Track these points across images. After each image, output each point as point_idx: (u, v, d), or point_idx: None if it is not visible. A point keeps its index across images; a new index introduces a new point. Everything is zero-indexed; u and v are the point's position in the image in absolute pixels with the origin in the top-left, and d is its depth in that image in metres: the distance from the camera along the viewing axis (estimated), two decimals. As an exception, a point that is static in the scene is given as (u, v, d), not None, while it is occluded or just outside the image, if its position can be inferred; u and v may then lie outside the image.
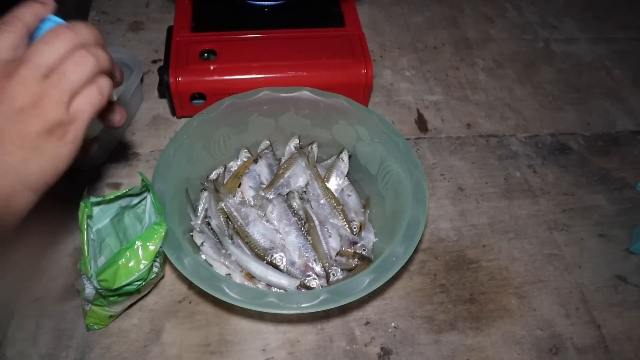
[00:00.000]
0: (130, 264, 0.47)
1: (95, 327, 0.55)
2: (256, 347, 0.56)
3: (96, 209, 0.53)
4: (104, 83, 0.37)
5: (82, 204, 0.49)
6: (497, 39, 0.96)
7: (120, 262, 0.46)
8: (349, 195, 0.66)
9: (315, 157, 0.68)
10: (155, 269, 0.51)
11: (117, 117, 0.45)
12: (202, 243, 0.58)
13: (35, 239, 0.62)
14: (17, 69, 0.33)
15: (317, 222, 0.61)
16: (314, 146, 0.68)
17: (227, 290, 0.47)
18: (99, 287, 0.48)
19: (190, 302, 0.59)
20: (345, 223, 0.62)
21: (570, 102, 0.88)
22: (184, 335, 0.57)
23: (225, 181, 0.65)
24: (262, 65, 0.71)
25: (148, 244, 0.47)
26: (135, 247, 0.47)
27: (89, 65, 0.35)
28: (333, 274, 0.58)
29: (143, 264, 0.48)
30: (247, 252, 0.59)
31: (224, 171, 0.67)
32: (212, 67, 0.69)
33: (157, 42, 0.85)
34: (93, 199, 0.51)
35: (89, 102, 0.36)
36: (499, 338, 0.60)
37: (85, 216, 0.49)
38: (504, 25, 0.99)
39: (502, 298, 0.63)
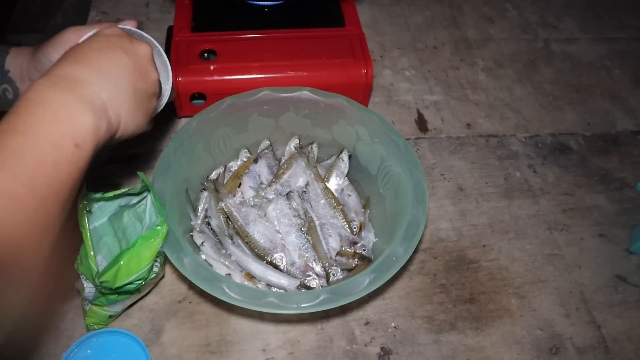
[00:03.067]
0: (131, 264, 0.47)
1: (95, 327, 0.55)
2: (256, 347, 0.56)
3: (95, 207, 0.53)
4: None
5: (80, 200, 0.49)
6: (497, 39, 0.96)
7: (121, 263, 0.47)
8: (349, 195, 0.66)
9: (315, 157, 0.68)
10: (155, 269, 0.51)
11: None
12: (202, 243, 0.58)
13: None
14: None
15: (317, 222, 0.61)
16: (314, 146, 0.68)
17: (227, 290, 0.47)
18: (99, 286, 0.48)
19: (190, 302, 0.59)
20: (345, 223, 0.62)
21: (570, 102, 0.88)
22: (184, 335, 0.57)
23: (225, 181, 0.65)
24: (262, 65, 0.71)
25: (149, 244, 0.47)
26: (136, 247, 0.47)
27: None
28: (333, 274, 0.58)
29: (144, 264, 0.48)
30: (247, 252, 0.59)
31: (224, 171, 0.67)
32: (212, 67, 0.69)
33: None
34: (92, 195, 0.51)
35: None
36: (499, 338, 0.60)
37: (84, 212, 0.48)
38: (504, 25, 0.99)
39: (502, 298, 0.63)
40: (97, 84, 0.38)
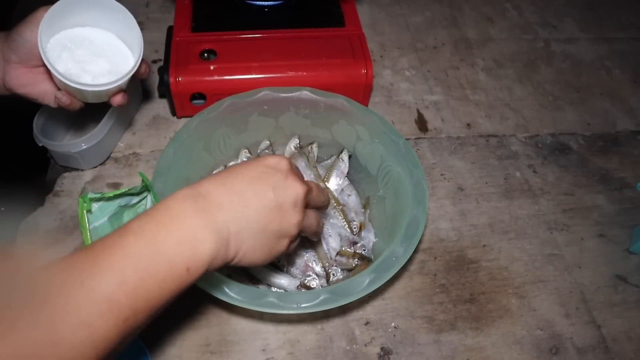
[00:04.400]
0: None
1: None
2: (256, 347, 0.56)
3: (95, 207, 0.53)
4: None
5: (80, 200, 0.49)
6: (497, 39, 0.96)
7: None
8: (349, 195, 0.66)
9: (315, 157, 0.68)
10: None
11: (119, 98, 0.57)
12: (202, 243, 0.58)
13: (35, 239, 0.62)
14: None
15: (317, 222, 0.61)
16: (314, 146, 0.68)
17: (227, 290, 0.47)
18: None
19: (190, 302, 0.59)
20: (345, 223, 0.62)
21: (570, 102, 0.88)
22: (184, 335, 0.57)
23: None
24: (262, 65, 0.71)
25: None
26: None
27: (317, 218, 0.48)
28: (333, 274, 0.58)
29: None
30: (247, 252, 0.59)
31: (224, 171, 0.67)
32: (212, 67, 0.69)
33: (157, 42, 0.85)
34: (92, 195, 0.51)
35: (309, 231, 0.47)
36: (499, 338, 0.60)
37: (84, 212, 0.48)
38: (504, 25, 0.99)
39: (502, 298, 0.63)
40: (231, 213, 0.37)
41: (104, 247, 0.32)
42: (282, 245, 0.42)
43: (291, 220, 0.42)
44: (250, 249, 0.39)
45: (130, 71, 0.53)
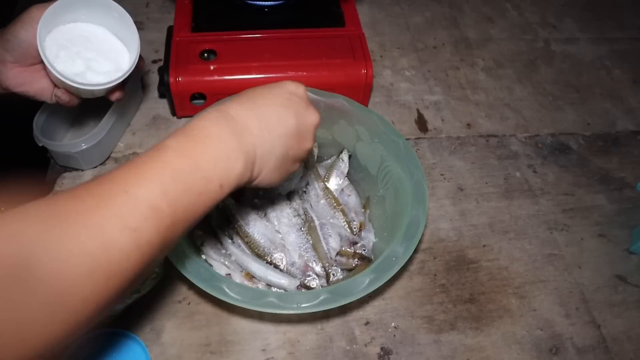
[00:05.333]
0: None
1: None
2: (256, 347, 0.56)
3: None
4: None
5: None
6: (497, 39, 0.96)
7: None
8: (349, 195, 0.66)
9: (315, 157, 0.68)
10: (155, 269, 0.51)
11: (117, 94, 0.57)
12: (202, 243, 0.58)
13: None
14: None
15: (317, 222, 0.61)
16: (314, 146, 0.68)
17: (227, 290, 0.47)
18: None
19: (190, 302, 0.59)
20: (345, 223, 0.62)
21: (570, 102, 0.88)
22: (184, 335, 0.57)
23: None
24: (262, 65, 0.71)
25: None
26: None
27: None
28: (333, 274, 0.58)
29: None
30: (247, 252, 0.59)
31: (224, 171, 0.67)
32: (212, 67, 0.69)
33: (157, 42, 0.85)
34: None
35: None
36: (499, 338, 0.60)
37: None
38: (504, 25, 0.99)
39: (502, 298, 0.63)
40: (258, 137, 0.40)
41: (145, 161, 0.34)
42: (295, 167, 0.46)
43: (306, 146, 0.45)
44: (271, 171, 0.42)
45: (128, 70, 0.53)
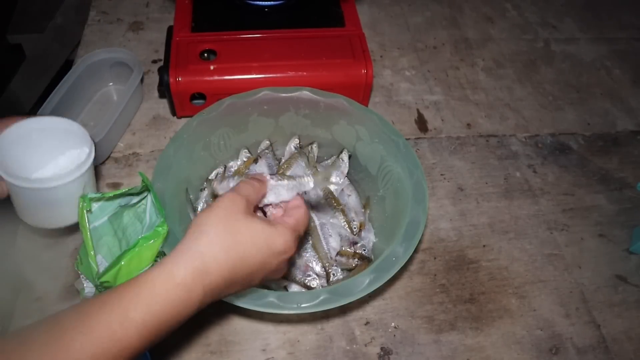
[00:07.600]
0: (131, 265, 0.47)
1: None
2: (256, 347, 0.56)
3: (95, 207, 0.53)
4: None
5: (80, 199, 0.49)
6: (497, 39, 0.96)
7: (122, 263, 0.47)
8: (349, 195, 0.66)
9: (315, 157, 0.68)
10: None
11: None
12: (202, 243, 0.58)
13: (35, 239, 0.62)
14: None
15: (317, 222, 0.61)
16: (314, 146, 0.68)
17: (227, 290, 0.46)
18: (100, 286, 0.48)
19: (190, 302, 0.59)
20: (345, 223, 0.62)
21: (570, 102, 0.88)
22: (184, 335, 0.57)
23: (225, 181, 0.65)
24: (262, 65, 0.71)
25: (149, 245, 0.48)
26: (137, 248, 0.47)
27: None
28: (333, 274, 0.58)
29: (144, 265, 0.48)
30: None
31: (224, 171, 0.67)
32: (212, 67, 0.69)
33: (157, 42, 0.85)
34: (92, 195, 0.51)
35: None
36: (499, 338, 0.60)
37: (84, 212, 0.48)
38: (504, 25, 0.99)
39: (502, 298, 0.63)
40: (227, 290, 0.42)
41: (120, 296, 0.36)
42: (260, 282, 0.45)
43: (279, 275, 0.46)
44: (232, 292, 0.43)
45: None
